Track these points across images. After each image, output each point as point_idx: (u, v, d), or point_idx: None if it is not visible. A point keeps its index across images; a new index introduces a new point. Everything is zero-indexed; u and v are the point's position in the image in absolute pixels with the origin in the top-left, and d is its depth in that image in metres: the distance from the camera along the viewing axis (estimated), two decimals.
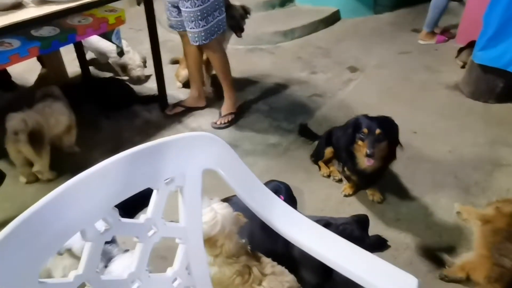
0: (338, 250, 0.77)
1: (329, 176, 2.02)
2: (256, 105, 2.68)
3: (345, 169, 1.87)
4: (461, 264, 1.48)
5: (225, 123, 2.47)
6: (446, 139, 2.26)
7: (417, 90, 2.79)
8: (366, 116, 1.70)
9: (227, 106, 2.51)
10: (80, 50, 2.60)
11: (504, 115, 2.46)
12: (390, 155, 1.73)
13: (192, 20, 2.06)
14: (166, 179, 0.69)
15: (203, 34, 2.11)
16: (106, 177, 0.59)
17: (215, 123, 2.48)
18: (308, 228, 0.81)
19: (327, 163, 2.05)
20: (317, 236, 0.80)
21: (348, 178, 1.92)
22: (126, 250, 1.26)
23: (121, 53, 2.28)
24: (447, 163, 2.09)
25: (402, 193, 1.91)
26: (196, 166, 0.73)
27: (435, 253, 1.60)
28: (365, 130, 1.66)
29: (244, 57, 3.40)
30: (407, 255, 1.61)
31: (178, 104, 2.60)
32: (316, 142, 2.18)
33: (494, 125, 2.35)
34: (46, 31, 1.79)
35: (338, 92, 2.83)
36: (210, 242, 1.19)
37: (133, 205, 0.80)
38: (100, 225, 0.59)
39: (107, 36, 2.10)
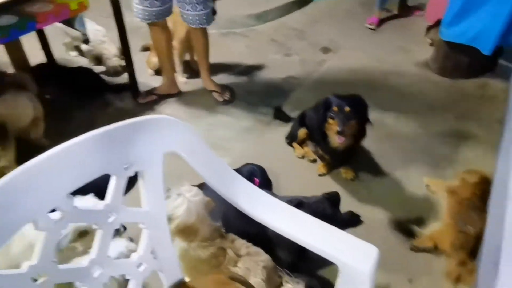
0: (302, 227, 0.79)
1: (303, 157, 2.04)
2: (231, 90, 2.66)
3: (318, 149, 1.90)
4: (429, 234, 1.54)
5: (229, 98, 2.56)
6: (416, 116, 2.32)
7: (389, 69, 2.82)
8: (336, 95, 1.72)
9: (215, 83, 2.60)
10: (43, 39, 2.50)
11: (469, 90, 2.52)
12: (360, 133, 1.77)
13: (200, 2, 2.14)
14: (125, 164, 0.69)
15: (208, 16, 2.22)
16: (59, 164, 0.58)
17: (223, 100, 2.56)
18: (273, 207, 0.83)
19: (302, 144, 2.07)
20: (282, 214, 0.82)
21: (321, 158, 1.95)
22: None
23: (86, 40, 2.21)
24: (417, 138, 2.15)
25: (374, 170, 1.96)
26: (156, 150, 0.73)
27: (406, 226, 1.65)
28: (335, 109, 1.68)
29: (217, 41, 3.35)
30: (380, 229, 1.66)
31: (151, 92, 2.56)
32: (291, 124, 2.19)
33: (460, 101, 2.42)
34: (4, 20, 1.72)
35: (312, 74, 2.84)
36: (186, 230, 1.20)
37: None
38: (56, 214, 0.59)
39: (70, 23, 2.03)
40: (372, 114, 1.95)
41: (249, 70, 2.91)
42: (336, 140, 1.71)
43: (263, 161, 1.96)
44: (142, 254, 0.74)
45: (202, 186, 1.64)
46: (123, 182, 0.69)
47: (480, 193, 1.58)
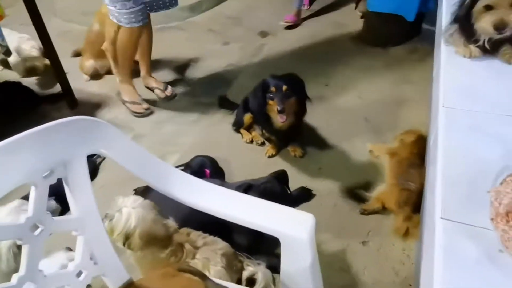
0: (241, 207, 0.80)
1: (251, 141, 2.06)
2: (173, 85, 2.62)
3: (264, 131, 1.93)
4: (376, 196, 1.62)
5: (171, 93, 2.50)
6: (355, 87, 2.40)
7: (325, 46, 2.90)
8: (272, 76, 1.75)
9: (156, 80, 2.54)
10: None
11: (401, 56, 2.65)
12: (301, 110, 1.81)
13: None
14: (45, 172, 0.66)
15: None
16: None
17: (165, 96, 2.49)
18: (211, 193, 0.83)
19: (248, 129, 2.09)
20: (220, 199, 0.82)
21: (268, 140, 1.98)
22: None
23: (7, 52, 2.06)
24: (358, 109, 2.24)
25: (321, 144, 2.02)
26: (78, 152, 0.71)
27: (355, 192, 1.73)
28: (273, 89, 1.71)
29: (154, 37, 3.26)
30: (331, 199, 1.72)
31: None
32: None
33: (394, 67, 2.54)
34: None
35: (253, 59, 2.85)
36: (149, 238, 1.18)
37: None
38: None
39: None
40: (312, 90, 2.00)
41: (189, 62, 2.87)
42: (278, 120, 1.74)
43: (213, 151, 1.96)
44: (80, 262, 0.72)
45: (148, 188, 1.63)
46: (46, 191, 0.66)
47: (418, 151, 1.69)
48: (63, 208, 1.54)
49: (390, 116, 2.15)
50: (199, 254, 1.31)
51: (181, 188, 0.80)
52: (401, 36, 2.69)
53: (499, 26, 0.95)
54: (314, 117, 2.15)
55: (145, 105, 2.38)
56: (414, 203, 1.52)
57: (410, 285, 1.36)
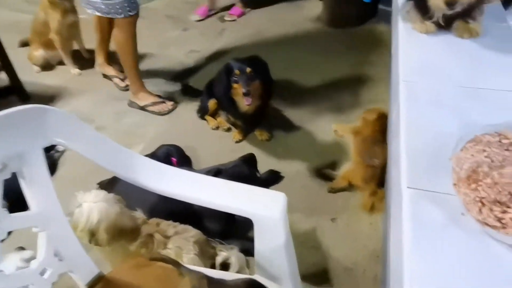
0: (211, 190, 0.79)
1: (218, 127, 2.04)
2: None
3: (230, 116, 1.91)
4: (342, 174, 1.66)
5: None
6: (317, 68, 2.43)
7: (286, 28, 2.89)
8: (235, 59, 1.73)
9: (115, 68, 2.44)
10: None
11: (360, 37, 2.70)
12: (266, 92, 1.80)
13: None
14: None
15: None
16: None
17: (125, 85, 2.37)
18: (179, 178, 0.81)
19: (214, 115, 2.06)
20: (189, 183, 0.80)
21: (235, 125, 1.97)
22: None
23: None
24: (322, 89, 2.27)
25: (287, 126, 2.03)
26: (33, 144, 0.66)
27: (322, 171, 1.76)
28: (237, 72, 1.70)
29: None
30: (300, 179, 1.74)
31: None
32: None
33: (354, 48, 2.59)
34: None
35: (214, 44, 2.80)
36: (115, 231, 1.14)
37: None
38: None
39: None
40: (276, 72, 2.00)
41: (149, 51, 2.77)
42: (244, 103, 1.73)
43: (179, 140, 1.92)
44: (43, 259, 0.68)
45: (112, 181, 1.57)
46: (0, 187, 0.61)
47: (380, 129, 1.73)
48: (12, 205, 1.45)
49: (353, 96, 2.20)
50: (171, 244, 1.29)
51: (148, 175, 0.77)
52: (359, 18, 2.74)
53: (450, 2, 0.98)
54: (279, 99, 2.16)
55: (170, 102, 2.23)
56: (378, 178, 1.57)
57: (378, 256, 1.42)
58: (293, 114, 2.10)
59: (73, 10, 2.35)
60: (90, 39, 2.50)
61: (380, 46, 2.56)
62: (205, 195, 0.75)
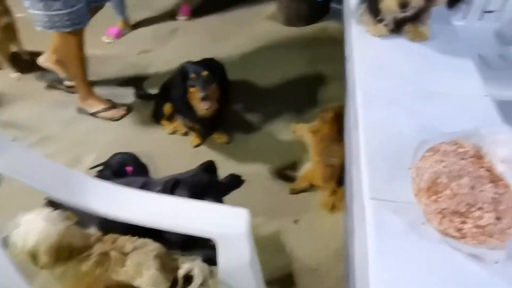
0: (168, 212, 0.75)
1: (174, 132, 1.97)
2: None
3: (187, 121, 1.85)
4: (303, 175, 1.67)
5: None
6: (275, 68, 2.42)
7: (241, 26, 2.86)
8: (190, 62, 1.68)
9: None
10: None
11: (314, 35, 2.73)
12: (223, 95, 1.76)
13: None
14: None
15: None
16: None
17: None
18: (131, 199, 0.76)
19: (170, 119, 1.99)
20: (143, 205, 0.75)
21: (192, 129, 1.91)
22: None
23: None
24: (279, 89, 2.26)
25: (246, 128, 2.01)
26: None
27: (283, 173, 1.76)
28: (193, 76, 1.64)
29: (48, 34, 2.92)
30: (261, 182, 1.73)
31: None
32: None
33: (309, 46, 2.61)
34: None
35: (167, 43, 2.71)
36: (57, 251, 1.05)
37: None
38: None
39: None
40: (232, 73, 1.97)
41: (95, 57, 2.61)
42: (202, 107, 1.68)
43: (134, 146, 1.83)
44: None
45: None
46: None
47: (337, 127, 1.76)
48: None
49: (310, 94, 2.22)
50: (130, 260, 1.22)
51: (97, 200, 0.71)
52: (312, 16, 2.76)
53: (403, 4, 0.99)
54: (237, 101, 2.13)
55: (123, 107, 2.12)
56: (338, 177, 1.59)
57: (341, 255, 1.44)
58: (252, 115, 2.08)
59: (5, 11, 2.16)
60: (30, 40, 2.32)
61: (333, 44, 2.60)
62: (163, 218, 0.71)
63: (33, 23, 1.72)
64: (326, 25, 2.80)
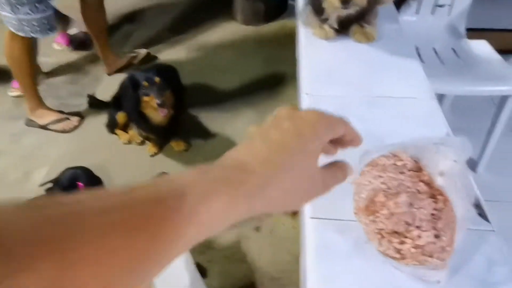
0: None
1: (130, 141, 1.88)
2: None
3: (141, 131, 1.77)
4: None
5: None
6: (232, 68, 2.37)
7: (196, 28, 2.78)
8: (140, 70, 1.60)
9: None
10: None
11: (272, 34, 2.69)
12: (179, 101, 1.69)
13: None
14: None
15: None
16: None
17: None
18: None
19: (125, 128, 1.90)
20: None
21: (148, 139, 1.83)
22: None
23: None
24: (238, 90, 2.21)
25: (204, 133, 1.95)
26: None
27: None
28: (146, 84, 1.57)
29: None
30: None
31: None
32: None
33: (267, 45, 2.57)
34: None
35: (121, 49, 2.59)
36: None
37: None
38: None
39: None
40: (188, 76, 1.90)
41: (44, 57, 2.47)
42: (160, 114, 1.62)
43: (88, 159, 1.73)
44: None
45: None
46: None
47: None
48: None
49: (269, 94, 2.18)
50: None
51: None
52: (269, 13, 2.73)
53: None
54: (194, 106, 2.07)
55: (75, 118, 2.02)
56: None
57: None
58: (210, 119, 2.02)
59: None
60: None
61: (292, 41, 2.54)
62: None
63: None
64: (284, 23, 2.77)
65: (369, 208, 0.53)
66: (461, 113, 1.96)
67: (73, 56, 2.52)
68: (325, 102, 0.87)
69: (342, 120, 0.38)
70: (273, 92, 2.20)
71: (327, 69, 0.97)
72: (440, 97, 1.96)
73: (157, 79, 1.58)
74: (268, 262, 1.40)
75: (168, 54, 2.47)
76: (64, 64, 2.45)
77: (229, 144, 1.89)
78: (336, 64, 0.99)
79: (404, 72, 0.95)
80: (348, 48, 1.04)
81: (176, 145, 1.84)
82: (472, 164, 1.69)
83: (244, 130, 1.76)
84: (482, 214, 0.63)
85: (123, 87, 1.64)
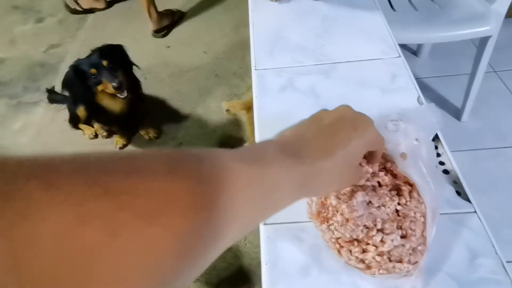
0: None
1: (96, 135, 1.76)
2: None
3: (102, 124, 1.65)
4: None
5: None
6: (198, 41, 2.21)
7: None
8: (81, 59, 1.45)
9: None
10: None
11: None
12: (132, 82, 1.54)
13: None
14: None
15: None
16: None
17: None
18: None
19: (89, 122, 1.77)
20: None
21: (112, 131, 1.71)
22: None
23: None
24: (206, 65, 2.07)
25: (175, 116, 1.83)
26: None
27: None
28: (93, 71, 1.42)
29: None
30: None
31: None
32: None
33: (233, 10, 2.39)
34: None
35: (77, 34, 2.41)
36: None
37: None
38: None
39: None
40: (152, 55, 1.75)
41: None
42: (118, 103, 1.49)
43: None
44: None
45: None
46: None
47: None
48: None
49: (240, 65, 2.04)
50: None
51: None
52: None
53: None
54: (160, 87, 1.93)
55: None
56: None
57: None
58: (180, 100, 1.89)
59: None
60: None
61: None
62: None
63: None
64: None
65: (321, 215, 0.44)
66: (441, 58, 1.84)
67: (25, 47, 2.34)
68: (274, 76, 0.76)
69: (383, 141, 0.39)
70: (243, 62, 2.05)
71: (277, 35, 0.85)
72: (419, 45, 1.83)
73: (105, 62, 1.42)
74: (253, 248, 1.33)
75: (131, 32, 2.29)
76: (15, 57, 2.27)
77: (201, 124, 1.78)
78: (288, 29, 0.87)
79: (365, 30, 0.82)
80: (301, 9, 0.91)
81: (146, 132, 1.72)
82: (456, 113, 1.60)
83: (217, 107, 1.63)
84: (461, 192, 0.54)
85: (69, 81, 1.47)
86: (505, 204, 1.31)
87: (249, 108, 1.66)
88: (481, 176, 1.39)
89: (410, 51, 1.88)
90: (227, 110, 1.78)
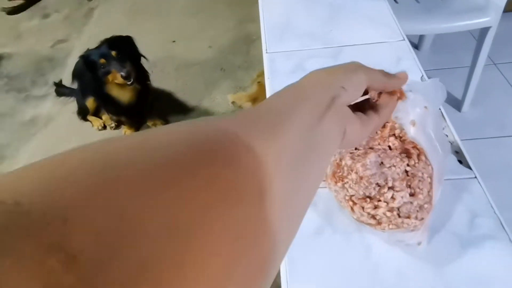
0: None
1: (105, 127, 1.80)
2: None
3: (111, 115, 1.68)
4: None
5: None
6: (203, 36, 2.25)
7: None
8: (90, 50, 1.49)
9: None
10: None
11: None
12: (140, 73, 1.58)
13: None
14: None
15: None
16: None
17: None
18: None
19: (97, 114, 1.81)
20: None
21: (121, 122, 1.75)
22: None
23: None
24: (211, 59, 2.11)
25: (182, 108, 1.87)
26: None
27: None
28: (103, 61, 1.46)
29: None
30: None
31: None
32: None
33: (236, 5, 2.43)
34: None
35: (84, 28, 2.45)
36: None
37: None
38: None
39: None
40: (159, 49, 1.79)
41: (3, 49, 2.33)
42: (127, 92, 1.53)
43: (62, 150, 1.66)
44: None
45: None
46: None
47: None
48: None
49: (244, 59, 2.08)
50: None
51: None
52: None
53: None
54: (167, 80, 1.97)
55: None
56: None
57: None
58: (186, 93, 1.93)
59: None
60: None
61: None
62: None
63: None
64: None
65: (336, 175, 0.48)
66: (442, 51, 1.88)
67: (32, 42, 2.38)
68: (285, 59, 0.80)
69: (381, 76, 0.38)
70: (247, 56, 2.10)
71: (286, 22, 0.89)
72: (421, 38, 1.87)
73: (113, 52, 1.46)
74: None
75: (136, 27, 2.33)
76: (23, 53, 2.31)
77: (208, 114, 1.82)
78: (296, 16, 0.91)
79: (370, 16, 0.87)
80: None
81: (153, 123, 1.76)
82: (457, 104, 1.64)
83: (223, 99, 1.68)
84: (462, 161, 0.58)
85: (78, 72, 1.51)
86: (506, 192, 1.35)
87: (254, 100, 1.70)
88: (482, 165, 1.42)
89: (412, 44, 1.90)
90: (233, 102, 1.82)
